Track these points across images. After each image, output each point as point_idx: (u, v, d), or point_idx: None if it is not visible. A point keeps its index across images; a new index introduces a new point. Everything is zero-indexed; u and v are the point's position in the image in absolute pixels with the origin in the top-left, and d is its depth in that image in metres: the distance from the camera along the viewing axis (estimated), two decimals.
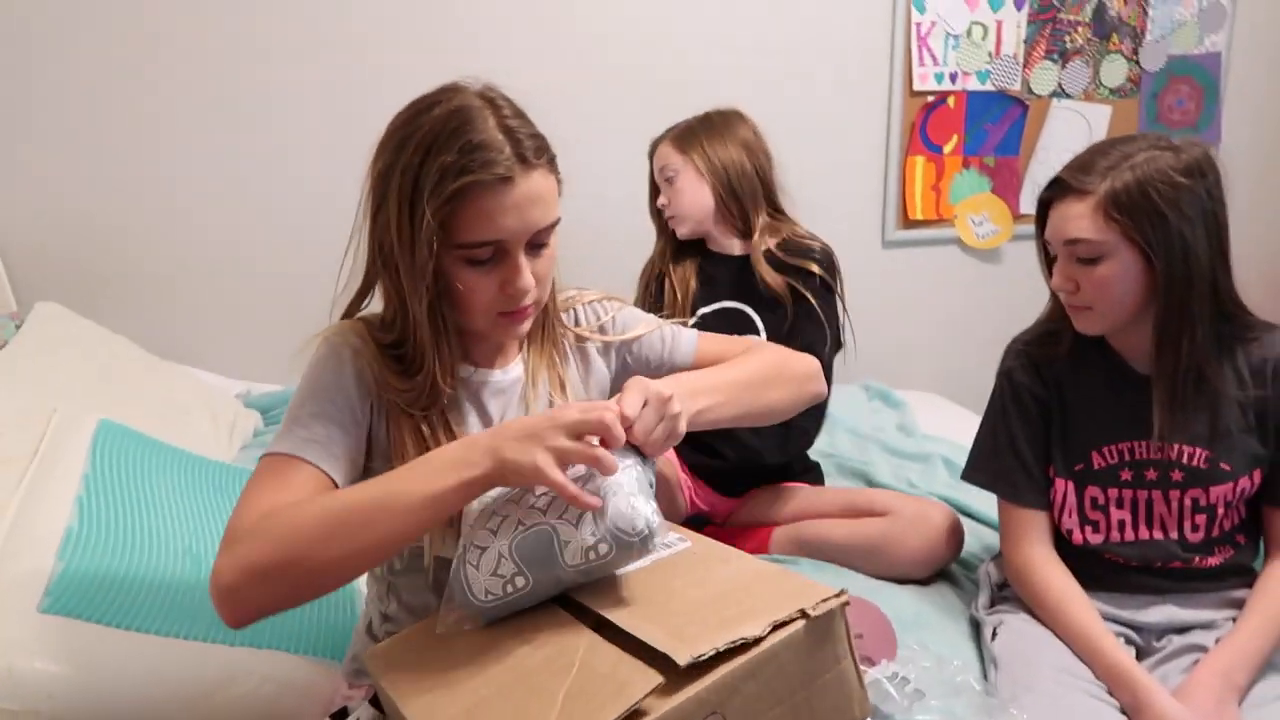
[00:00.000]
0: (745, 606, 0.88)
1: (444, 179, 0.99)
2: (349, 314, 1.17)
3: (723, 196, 1.94)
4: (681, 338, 1.35)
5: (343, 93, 2.49)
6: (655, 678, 0.79)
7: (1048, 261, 1.47)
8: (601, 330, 1.30)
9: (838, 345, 1.97)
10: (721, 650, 0.81)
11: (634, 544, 0.91)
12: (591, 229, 2.07)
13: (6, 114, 2.36)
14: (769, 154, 2.00)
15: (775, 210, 1.99)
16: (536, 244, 1.07)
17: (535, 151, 1.04)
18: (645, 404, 0.99)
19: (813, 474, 2.07)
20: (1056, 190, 1.39)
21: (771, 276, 1.89)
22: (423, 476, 0.92)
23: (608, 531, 0.91)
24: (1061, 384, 1.50)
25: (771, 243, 1.93)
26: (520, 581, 0.93)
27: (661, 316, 1.37)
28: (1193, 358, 1.38)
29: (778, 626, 0.85)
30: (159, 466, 1.64)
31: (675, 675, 0.80)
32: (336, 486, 1.02)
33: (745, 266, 1.94)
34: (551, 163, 1.08)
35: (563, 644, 0.90)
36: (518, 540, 0.93)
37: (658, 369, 1.31)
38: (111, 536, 1.39)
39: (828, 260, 1.93)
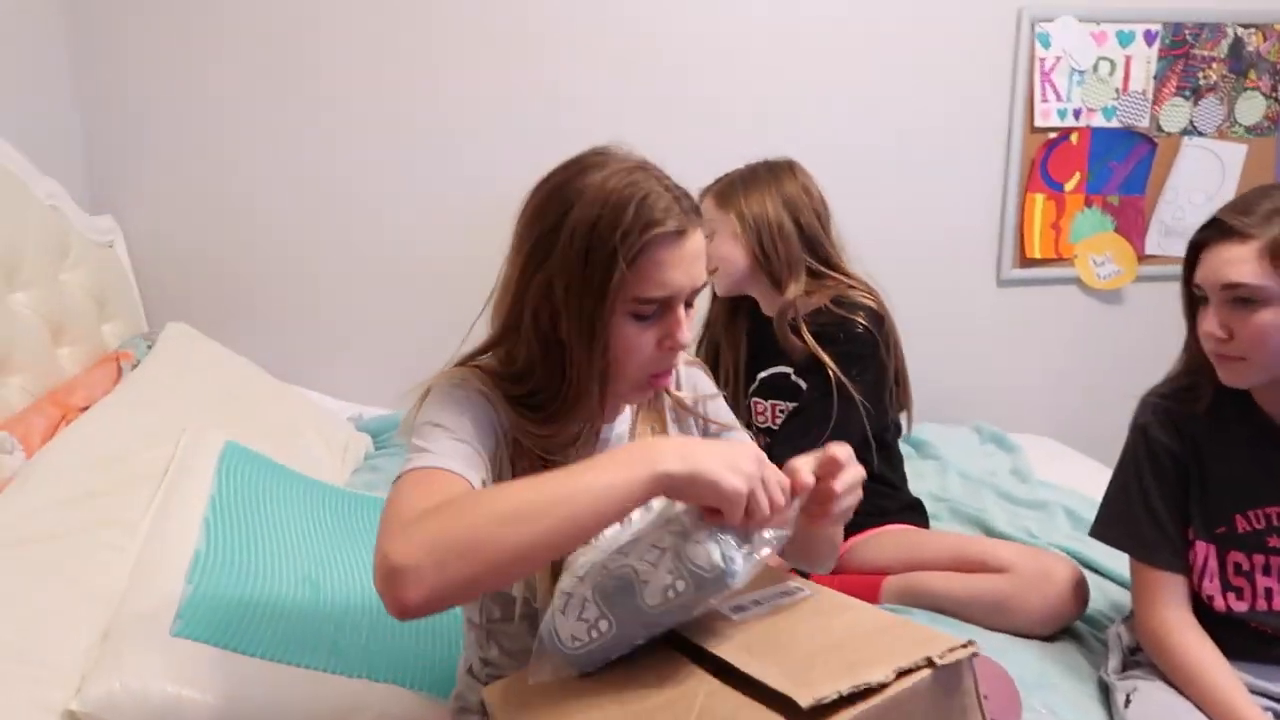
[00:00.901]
0: (869, 653, 0.86)
1: (629, 233, 1.00)
2: (468, 358, 1.17)
3: (757, 256, 1.88)
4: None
5: (460, 123, 2.54)
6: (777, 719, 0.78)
7: (1191, 308, 1.40)
8: (695, 403, 1.30)
9: (880, 411, 1.88)
10: (845, 694, 0.78)
11: (709, 579, 0.88)
12: None
13: (138, 135, 2.47)
14: (821, 209, 1.92)
15: (827, 268, 1.90)
16: (689, 302, 1.09)
17: (694, 210, 1.07)
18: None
19: (915, 512, 2.01)
20: (1213, 232, 1.32)
21: (792, 344, 1.84)
22: (606, 468, 0.88)
23: (683, 568, 0.88)
24: (1199, 442, 1.43)
25: (812, 304, 1.86)
26: (604, 625, 0.91)
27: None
28: None
29: (903, 674, 0.82)
30: (279, 490, 1.68)
31: None
32: None
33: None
34: (703, 223, 1.10)
35: (683, 688, 0.88)
36: (600, 583, 0.92)
37: None
38: (236, 561, 1.42)
39: (861, 326, 1.82)
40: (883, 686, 0.80)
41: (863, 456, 1.83)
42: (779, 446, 1.87)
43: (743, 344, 2.02)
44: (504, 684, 1.01)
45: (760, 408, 1.99)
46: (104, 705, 1.12)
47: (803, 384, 1.89)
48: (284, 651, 1.29)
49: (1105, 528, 1.53)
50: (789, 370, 1.92)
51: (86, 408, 1.77)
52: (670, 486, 0.87)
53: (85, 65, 2.41)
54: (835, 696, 0.78)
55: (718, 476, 0.85)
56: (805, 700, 0.77)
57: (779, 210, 1.89)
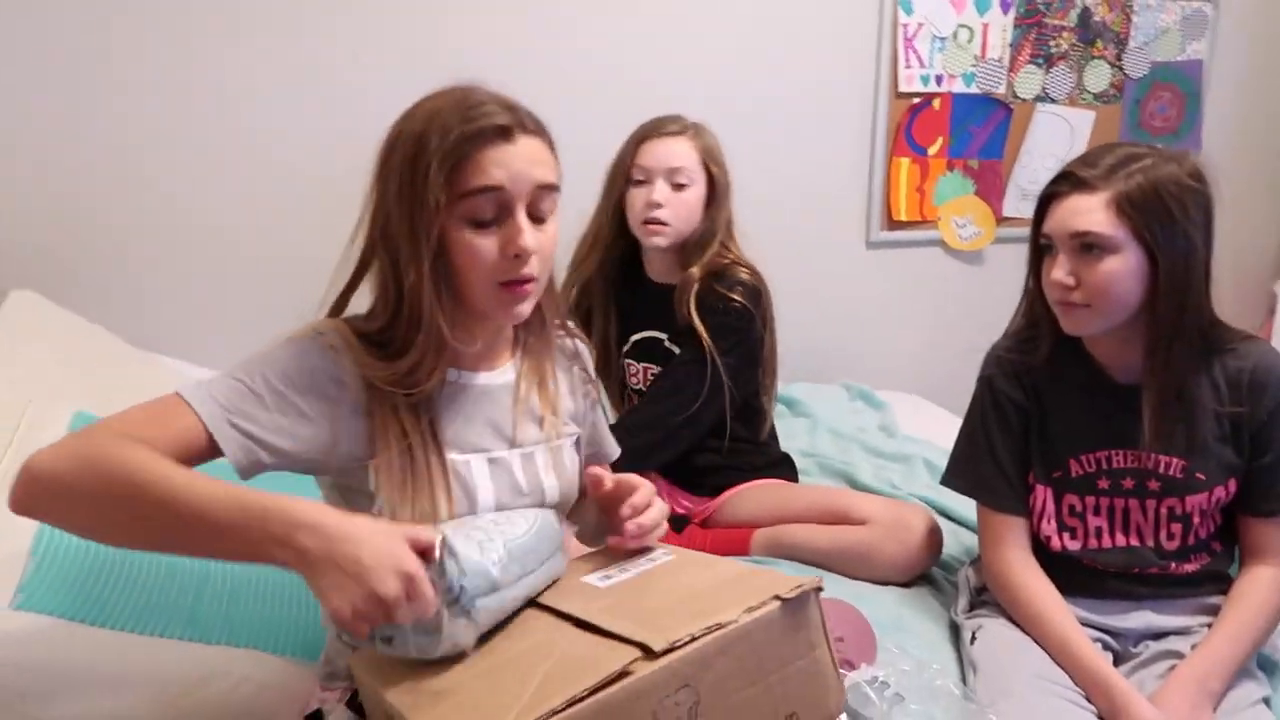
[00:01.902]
0: (722, 600, 0.90)
1: (447, 132, 1.02)
2: (339, 304, 1.16)
3: (707, 217, 1.88)
4: (610, 440, 1.43)
5: (328, 83, 2.46)
6: (632, 651, 0.81)
7: (1036, 260, 1.47)
8: (581, 368, 1.33)
9: (747, 379, 1.93)
10: (697, 635, 0.82)
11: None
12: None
13: None
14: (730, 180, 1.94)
15: (724, 241, 1.91)
16: (537, 215, 1.08)
17: (534, 123, 1.08)
18: None
19: (784, 467, 2.07)
20: (1064, 185, 1.39)
21: (689, 311, 1.84)
22: (227, 507, 0.86)
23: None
24: (1040, 391, 1.51)
25: (705, 272, 1.86)
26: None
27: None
28: (1181, 366, 1.39)
29: (751, 610, 0.86)
30: None
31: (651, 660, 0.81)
32: (210, 454, 0.98)
33: (669, 295, 1.89)
34: (550, 142, 1.10)
35: (544, 636, 0.91)
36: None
37: (589, 445, 1.36)
38: None
39: (739, 302, 1.85)
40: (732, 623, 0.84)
41: (726, 421, 1.88)
42: (648, 405, 1.90)
43: (613, 306, 2.01)
44: (369, 650, 1.01)
45: (633, 369, 2.01)
46: None
47: (676, 349, 1.92)
48: (136, 621, 1.26)
49: (954, 476, 1.60)
50: (663, 335, 1.94)
51: None
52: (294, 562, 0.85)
53: None
54: (687, 639, 0.81)
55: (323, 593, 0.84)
56: (659, 645, 0.80)
57: (726, 178, 1.89)
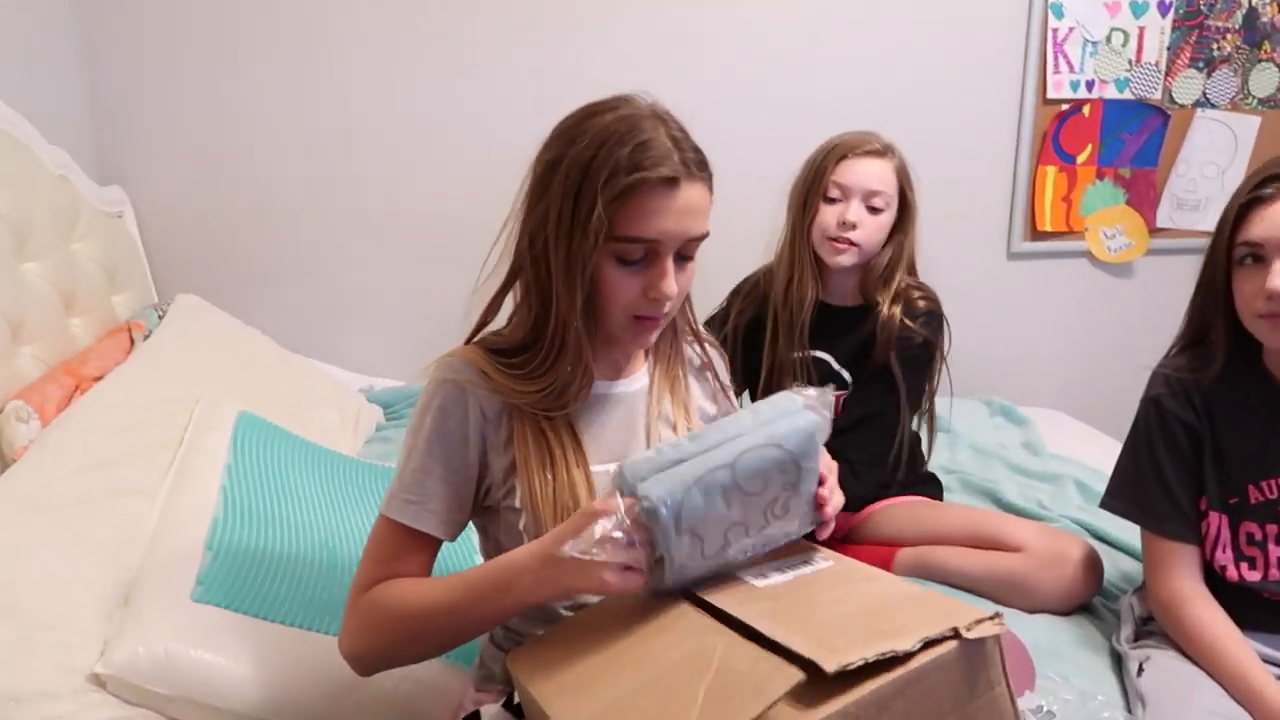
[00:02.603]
0: (895, 623, 0.85)
1: (616, 174, 1.01)
2: (483, 321, 1.18)
3: (894, 241, 1.84)
4: None
5: (485, 94, 2.52)
6: (796, 674, 0.78)
7: (1212, 272, 1.39)
8: (714, 371, 1.32)
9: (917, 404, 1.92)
10: (871, 661, 0.78)
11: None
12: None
13: (146, 105, 2.46)
14: None
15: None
16: (683, 255, 1.09)
17: (698, 164, 1.06)
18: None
19: (930, 484, 2.02)
20: (1271, 187, 1.31)
21: (886, 347, 1.82)
22: (496, 585, 1.02)
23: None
24: (1213, 412, 1.43)
25: (897, 307, 1.83)
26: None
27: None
28: None
29: (929, 644, 0.82)
30: (295, 459, 1.69)
31: (819, 686, 0.78)
32: (440, 543, 1.13)
33: (846, 316, 1.87)
34: (709, 180, 1.09)
35: (701, 642, 0.88)
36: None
37: None
38: (254, 527, 1.43)
39: (936, 323, 1.86)
40: (909, 656, 0.80)
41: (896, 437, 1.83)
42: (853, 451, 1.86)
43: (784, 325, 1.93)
44: (526, 649, 1.02)
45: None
46: (127, 669, 1.13)
47: (844, 373, 1.89)
48: (304, 617, 1.30)
49: (1116, 499, 1.53)
50: (829, 358, 1.90)
51: (100, 378, 1.77)
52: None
53: (93, 33, 2.40)
54: (860, 663, 0.77)
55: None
56: (831, 665, 0.77)
57: (916, 203, 1.86)
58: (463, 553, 1.48)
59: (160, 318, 2.16)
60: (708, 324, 1.91)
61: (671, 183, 1.03)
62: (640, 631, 0.94)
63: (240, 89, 2.49)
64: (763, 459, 0.96)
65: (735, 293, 2.00)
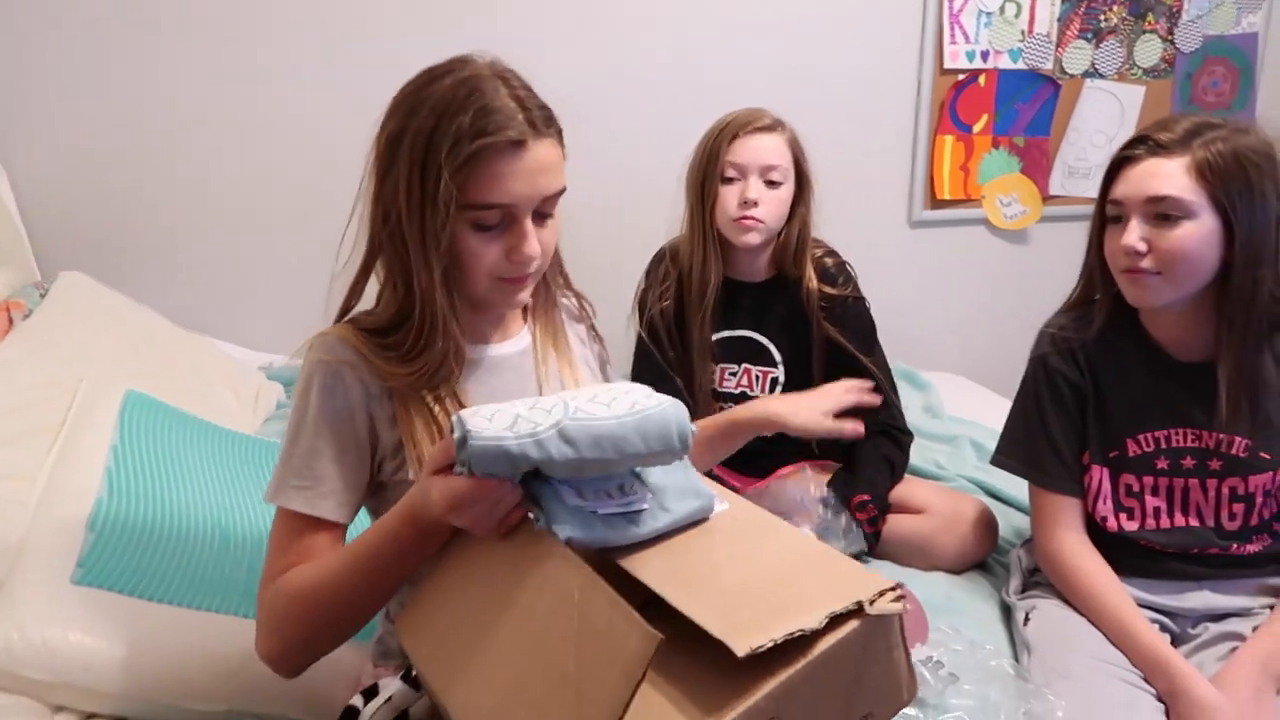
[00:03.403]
0: (798, 591, 0.85)
1: (459, 141, 1.00)
2: (347, 305, 1.16)
3: (797, 214, 1.84)
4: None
5: (358, 65, 2.46)
6: (653, 636, 0.75)
7: (1099, 228, 1.43)
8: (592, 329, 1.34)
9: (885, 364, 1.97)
10: (779, 641, 0.77)
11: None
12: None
13: (29, 82, 2.35)
14: None
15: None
16: (542, 213, 1.08)
17: (544, 121, 1.05)
18: None
19: (834, 450, 2.05)
20: (1140, 148, 1.35)
21: (818, 322, 1.85)
22: (381, 544, 1.00)
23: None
24: (1096, 369, 1.48)
25: (811, 269, 1.85)
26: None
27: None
28: (1254, 342, 1.35)
29: (835, 618, 0.81)
30: (186, 438, 1.64)
31: (724, 673, 0.78)
32: (344, 525, 1.11)
33: (763, 292, 1.89)
34: (559, 134, 1.09)
35: (560, 590, 0.86)
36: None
37: None
38: (141, 508, 1.38)
39: (848, 274, 1.90)
40: (815, 636, 0.80)
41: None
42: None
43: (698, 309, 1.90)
44: (409, 617, 1.00)
45: (730, 370, 1.94)
46: (2, 654, 1.09)
47: (773, 348, 1.90)
48: (192, 596, 1.27)
49: (1006, 455, 1.58)
50: (755, 334, 1.91)
51: None
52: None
53: None
54: (770, 644, 0.77)
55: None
56: (741, 649, 0.76)
57: (811, 174, 1.86)
58: None
59: (42, 297, 2.07)
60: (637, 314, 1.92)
61: (518, 145, 1.02)
62: (506, 581, 0.91)
63: (124, 63, 2.39)
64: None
65: (647, 284, 1.96)
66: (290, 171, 2.53)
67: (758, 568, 0.91)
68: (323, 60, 2.48)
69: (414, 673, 1.09)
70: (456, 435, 0.87)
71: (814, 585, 0.87)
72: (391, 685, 1.12)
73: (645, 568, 0.90)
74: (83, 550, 1.25)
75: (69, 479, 1.40)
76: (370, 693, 1.16)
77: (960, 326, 3.04)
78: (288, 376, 2.44)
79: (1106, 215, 1.41)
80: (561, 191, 1.08)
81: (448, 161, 1.00)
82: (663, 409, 0.92)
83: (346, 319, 1.15)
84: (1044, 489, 1.51)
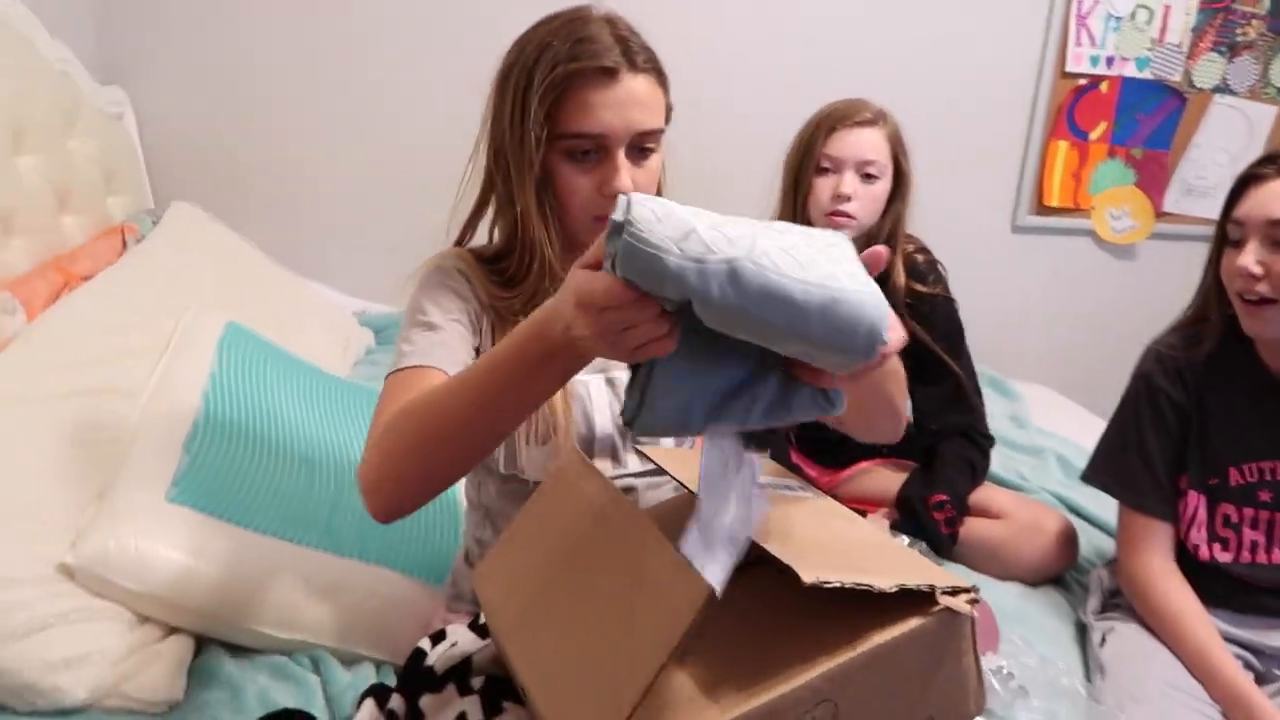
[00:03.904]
0: (873, 563, 0.84)
1: (554, 68, 1.02)
2: (463, 234, 1.19)
3: (891, 210, 1.80)
4: None
5: (470, 19, 2.48)
6: (704, 586, 0.71)
7: (1218, 248, 1.38)
8: None
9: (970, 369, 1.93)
10: (847, 586, 0.75)
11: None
12: None
13: (157, 12, 2.42)
14: None
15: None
16: (641, 148, 1.08)
17: (645, 60, 1.06)
18: None
19: (915, 448, 2.01)
20: (1270, 168, 1.30)
21: (902, 306, 1.79)
22: (506, 353, 0.85)
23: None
24: (1203, 392, 1.43)
25: (901, 265, 1.81)
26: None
27: None
28: None
29: (903, 611, 0.81)
30: (280, 373, 1.68)
31: (781, 655, 0.76)
32: None
33: None
34: (661, 76, 1.09)
35: (631, 551, 0.82)
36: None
37: None
38: (234, 435, 1.42)
39: (938, 271, 1.85)
40: (880, 623, 0.79)
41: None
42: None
43: None
44: (486, 564, 1.00)
45: None
46: (97, 561, 1.13)
47: None
48: (277, 526, 1.30)
49: (1097, 472, 1.54)
50: None
51: (89, 277, 1.75)
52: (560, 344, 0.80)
53: None
54: (837, 584, 0.75)
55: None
56: (808, 577, 0.74)
57: (911, 171, 1.81)
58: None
59: (154, 224, 2.13)
60: None
61: (609, 73, 1.03)
62: (577, 532, 0.90)
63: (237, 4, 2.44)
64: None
65: None
66: (402, 122, 2.57)
67: (833, 539, 0.89)
68: (441, 12, 2.50)
69: (481, 621, 1.10)
70: (615, 217, 0.73)
71: (888, 562, 0.85)
72: (459, 632, 1.13)
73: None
74: (178, 470, 1.29)
75: (169, 401, 1.45)
76: (438, 637, 1.18)
77: (1056, 338, 2.96)
78: (380, 323, 2.49)
79: (1227, 235, 1.36)
80: (659, 131, 1.09)
81: (542, 88, 1.02)
82: (861, 296, 0.72)
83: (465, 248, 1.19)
84: (1134, 509, 1.47)
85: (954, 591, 0.83)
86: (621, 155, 1.06)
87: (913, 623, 0.80)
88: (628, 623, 0.78)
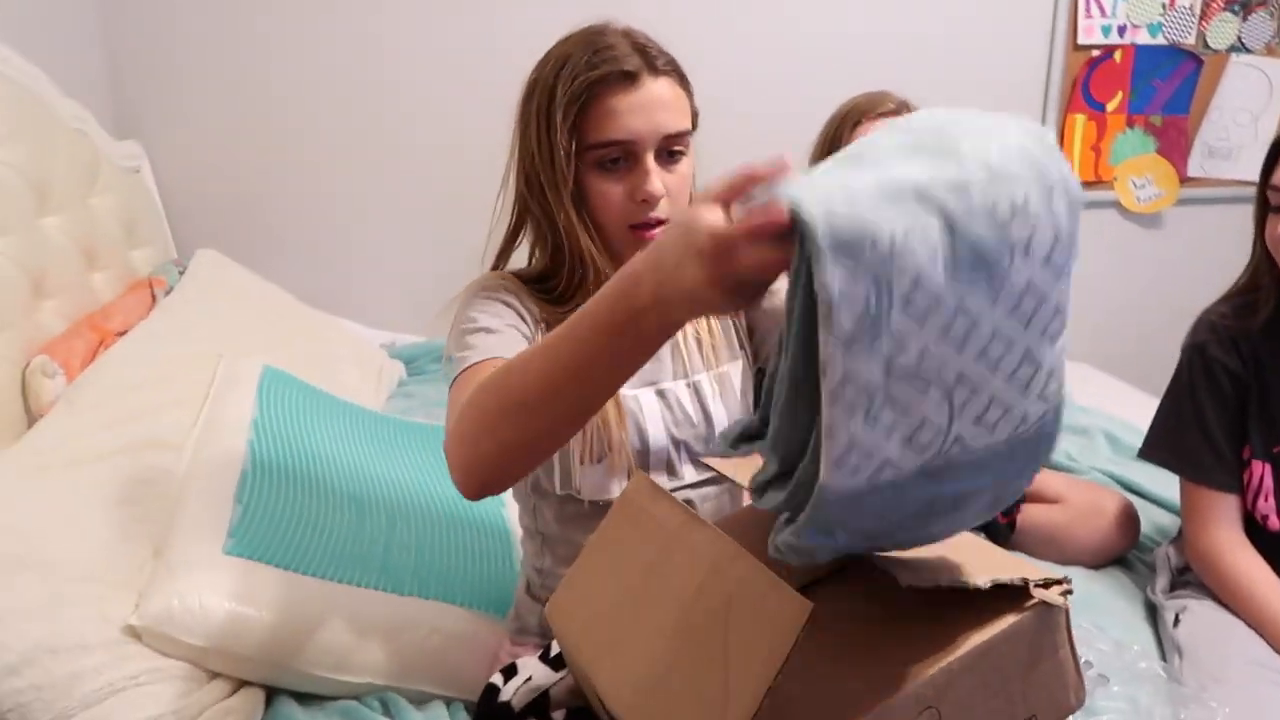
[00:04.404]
0: (962, 560, 0.82)
1: (575, 79, 1.03)
2: (498, 260, 1.18)
3: None
4: None
5: (489, 50, 2.47)
6: (805, 605, 0.68)
7: (1262, 213, 1.35)
8: None
9: None
10: (944, 586, 0.75)
11: None
12: None
13: (163, 59, 2.43)
14: None
15: None
16: (670, 152, 1.07)
17: (665, 63, 1.07)
18: None
19: None
20: None
21: None
22: (584, 320, 0.76)
23: None
24: (1260, 359, 1.40)
25: None
26: None
27: None
28: None
29: (999, 610, 0.79)
30: (320, 413, 1.68)
31: (879, 662, 0.75)
32: None
33: None
34: (683, 79, 1.10)
35: (714, 565, 0.80)
36: None
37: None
38: (282, 481, 1.42)
39: None
40: (978, 624, 0.78)
41: None
42: None
43: None
44: (559, 598, 1.00)
45: None
46: (163, 620, 1.13)
47: None
48: (335, 569, 1.29)
49: (1155, 449, 1.51)
50: None
51: (123, 332, 1.76)
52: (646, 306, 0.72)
53: None
54: (933, 586, 0.75)
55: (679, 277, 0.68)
56: (904, 580, 0.74)
57: None
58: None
59: (181, 273, 2.14)
60: None
61: (631, 78, 1.03)
62: (655, 559, 0.87)
63: (258, 43, 2.45)
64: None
65: None
66: (411, 157, 2.57)
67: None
68: (455, 45, 2.50)
69: (553, 653, 1.09)
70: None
71: (977, 559, 0.83)
72: (530, 665, 1.12)
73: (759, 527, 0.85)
74: (232, 521, 1.28)
75: (215, 451, 1.45)
76: (510, 671, 1.17)
77: (1089, 314, 2.92)
78: (410, 354, 2.48)
79: (1269, 202, 1.33)
80: (687, 133, 1.08)
81: (565, 100, 1.03)
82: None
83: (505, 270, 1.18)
84: (1197, 483, 1.44)
85: (1046, 584, 0.82)
86: (651, 159, 1.05)
87: (1009, 619, 0.79)
88: (723, 645, 0.76)
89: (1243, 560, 1.38)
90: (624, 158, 1.05)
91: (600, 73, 1.03)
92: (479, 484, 0.87)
